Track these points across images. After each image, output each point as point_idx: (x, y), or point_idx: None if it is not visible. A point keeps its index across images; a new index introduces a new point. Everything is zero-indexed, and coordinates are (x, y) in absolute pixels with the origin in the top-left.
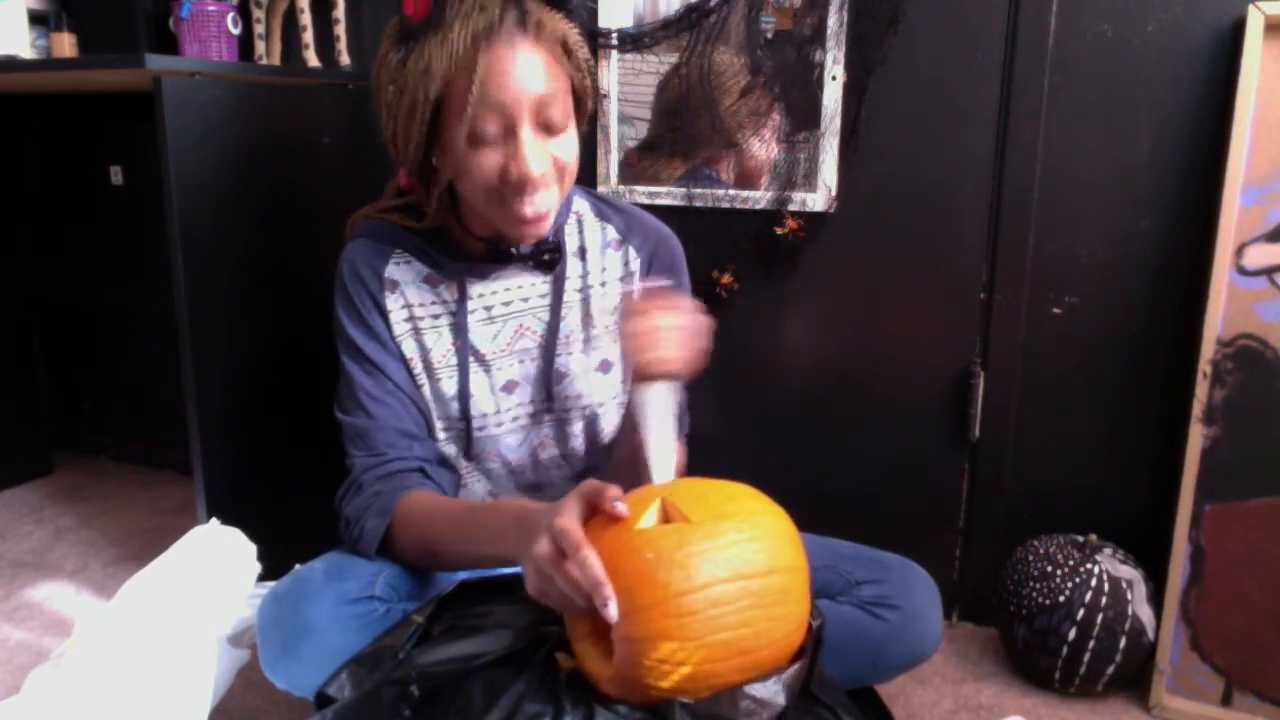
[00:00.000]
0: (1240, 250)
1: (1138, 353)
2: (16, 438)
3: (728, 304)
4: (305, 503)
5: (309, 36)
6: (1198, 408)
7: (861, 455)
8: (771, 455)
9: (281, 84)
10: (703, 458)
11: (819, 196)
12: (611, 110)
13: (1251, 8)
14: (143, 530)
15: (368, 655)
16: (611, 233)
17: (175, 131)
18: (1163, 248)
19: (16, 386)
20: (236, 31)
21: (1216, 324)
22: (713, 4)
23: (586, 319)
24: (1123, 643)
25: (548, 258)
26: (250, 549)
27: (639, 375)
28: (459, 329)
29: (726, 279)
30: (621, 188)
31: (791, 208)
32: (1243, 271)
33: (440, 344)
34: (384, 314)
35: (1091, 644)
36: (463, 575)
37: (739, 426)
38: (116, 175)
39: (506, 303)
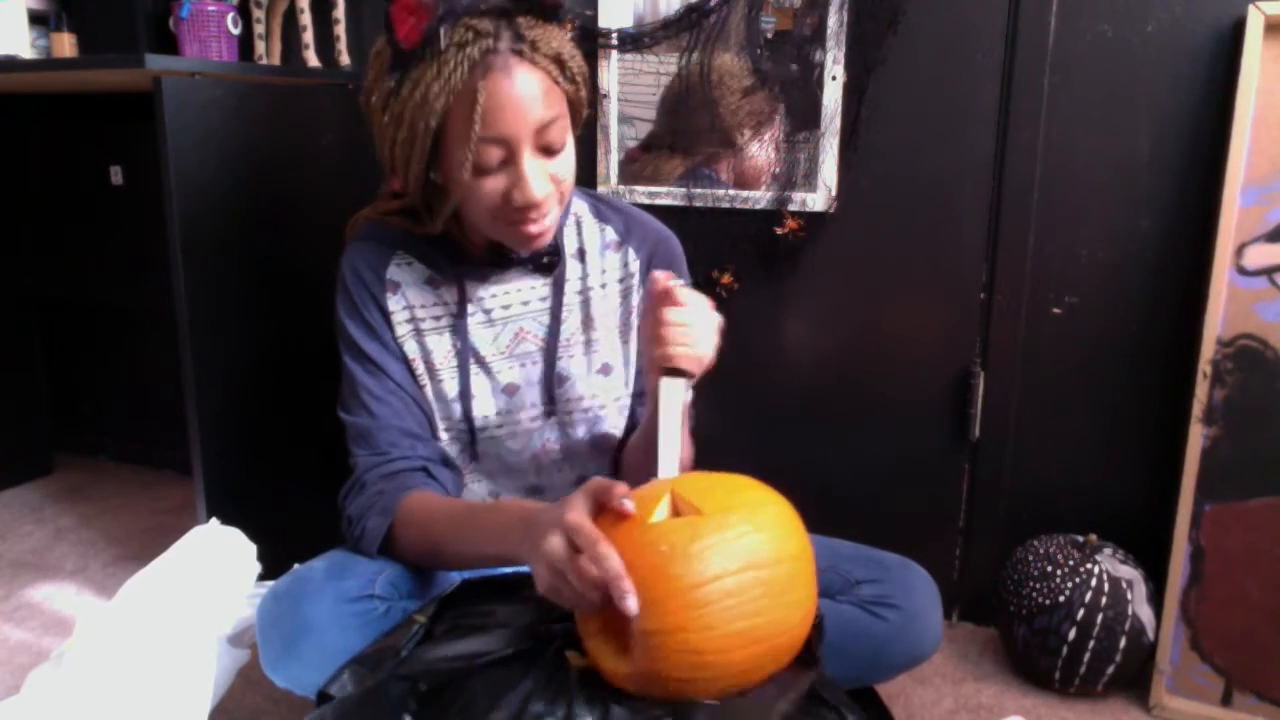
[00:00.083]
0: (1240, 250)
1: (1138, 353)
2: (16, 438)
3: (728, 304)
4: (305, 503)
5: (309, 36)
6: (1198, 408)
7: (861, 455)
8: (771, 455)
9: (281, 84)
10: (703, 458)
11: (819, 196)
12: (611, 110)
13: (1251, 8)
14: (143, 530)
15: (369, 655)
16: (610, 234)
17: (175, 131)
18: (1163, 248)
19: (16, 386)
20: (236, 31)
21: (1216, 324)
22: (713, 4)
23: (587, 321)
24: (1123, 643)
25: (547, 260)
26: (250, 549)
27: (658, 369)
28: (459, 331)
29: (726, 279)
30: (621, 188)
31: (791, 208)
32: (1243, 271)
33: (441, 346)
34: (386, 315)
35: (1091, 644)
36: (464, 575)
37: (739, 426)
38: (116, 175)
39: (506, 306)
